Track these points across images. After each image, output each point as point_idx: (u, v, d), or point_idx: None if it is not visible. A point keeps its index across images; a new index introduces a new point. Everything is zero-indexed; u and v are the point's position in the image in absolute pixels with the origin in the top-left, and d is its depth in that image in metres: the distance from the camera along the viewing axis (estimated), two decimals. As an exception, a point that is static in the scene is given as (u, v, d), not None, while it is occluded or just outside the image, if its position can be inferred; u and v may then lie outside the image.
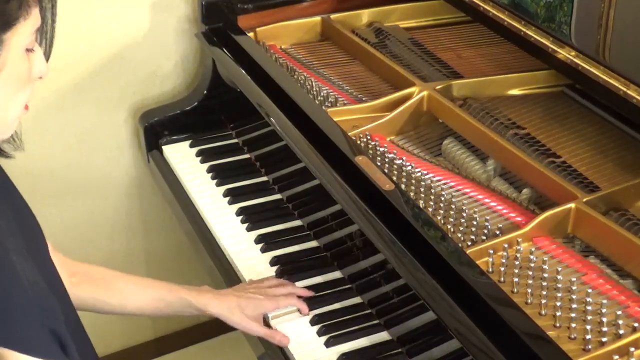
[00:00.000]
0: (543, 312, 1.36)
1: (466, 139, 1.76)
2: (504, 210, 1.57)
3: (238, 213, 1.91)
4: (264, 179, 2.01)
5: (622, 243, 1.43)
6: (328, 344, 1.56)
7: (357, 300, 1.66)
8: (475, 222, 1.53)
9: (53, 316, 1.14)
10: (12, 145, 1.22)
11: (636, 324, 1.31)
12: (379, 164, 1.66)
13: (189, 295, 1.60)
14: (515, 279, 1.41)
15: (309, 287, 1.67)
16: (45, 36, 1.16)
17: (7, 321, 1.07)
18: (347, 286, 1.68)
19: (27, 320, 1.09)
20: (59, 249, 1.51)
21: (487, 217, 1.53)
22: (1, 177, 1.29)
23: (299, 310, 1.63)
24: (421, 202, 1.58)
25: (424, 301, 1.39)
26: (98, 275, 1.57)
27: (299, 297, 1.64)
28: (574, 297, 1.36)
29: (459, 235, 1.51)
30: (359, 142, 1.73)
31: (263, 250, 1.80)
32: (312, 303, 1.64)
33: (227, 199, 1.95)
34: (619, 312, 1.32)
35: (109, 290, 1.56)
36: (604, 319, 1.31)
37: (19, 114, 1.16)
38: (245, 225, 1.87)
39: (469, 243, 1.49)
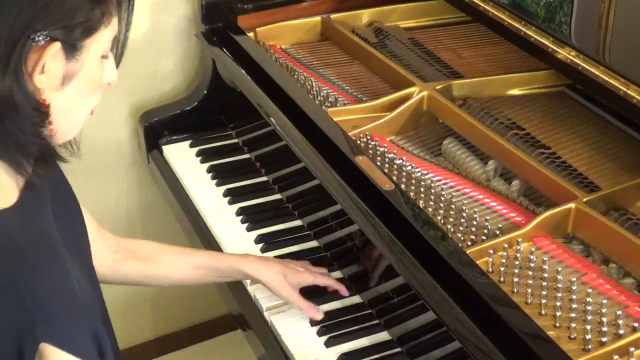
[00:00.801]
0: (543, 312, 1.36)
1: (466, 139, 1.76)
2: (504, 210, 1.57)
3: (238, 213, 1.91)
4: (264, 179, 2.01)
5: (622, 243, 1.43)
6: (328, 344, 1.56)
7: (357, 300, 1.66)
8: (475, 222, 1.53)
9: (95, 319, 1.17)
10: (68, 150, 1.25)
11: (636, 324, 1.31)
12: (379, 164, 1.66)
13: (234, 260, 1.64)
14: (515, 279, 1.41)
15: (309, 287, 1.67)
16: (118, 43, 1.20)
17: (56, 320, 1.10)
18: (347, 286, 1.68)
19: (74, 321, 1.12)
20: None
21: (487, 217, 1.53)
22: (60, 179, 1.32)
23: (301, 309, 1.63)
24: (421, 202, 1.58)
25: (424, 301, 1.39)
26: (142, 249, 1.61)
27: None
28: (574, 297, 1.36)
29: (459, 235, 1.51)
30: (359, 142, 1.73)
31: (263, 251, 1.80)
32: (314, 301, 1.64)
33: (227, 199, 1.95)
34: (619, 312, 1.32)
35: (154, 263, 1.60)
36: (604, 319, 1.31)
37: (84, 117, 1.19)
38: (245, 225, 1.87)
39: (469, 243, 1.49)
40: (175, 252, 1.63)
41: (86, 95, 1.16)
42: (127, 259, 1.58)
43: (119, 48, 1.21)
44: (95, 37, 1.12)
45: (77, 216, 1.35)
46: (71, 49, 1.10)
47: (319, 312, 1.60)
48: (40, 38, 1.07)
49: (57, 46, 1.08)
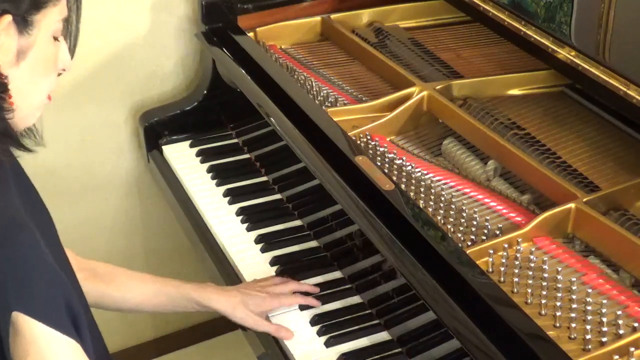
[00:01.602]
0: (543, 312, 1.36)
1: (466, 139, 1.76)
2: (504, 210, 1.57)
3: (238, 213, 1.91)
4: (264, 179, 2.01)
5: (622, 243, 1.43)
6: (328, 344, 1.56)
7: (357, 300, 1.66)
8: (475, 222, 1.53)
9: (69, 293, 1.17)
10: (33, 140, 1.27)
11: (636, 324, 1.31)
12: (379, 164, 1.66)
13: (193, 290, 1.61)
14: (515, 279, 1.41)
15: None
16: (70, 33, 1.24)
17: (29, 289, 1.11)
18: (347, 286, 1.68)
19: (46, 289, 1.13)
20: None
21: (487, 217, 1.53)
22: (20, 172, 1.32)
23: (300, 307, 1.63)
24: (421, 202, 1.58)
25: (424, 301, 1.39)
26: (103, 271, 1.60)
27: (306, 294, 1.65)
28: (574, 297, 1.36)
29: (459, 235, 1.51)
30: (359, 142, 1.73)
31: (263, 250, 1.80)
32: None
33: (227, 199, 1.95)
34: (619, 312, 1.32)
35: (113, 285, 1.59)
36: (604, 319, 1.31)
37: (42, 101, 1.22)
38: (245, 225, 1.87)
39: (469, 243, 1.49)
40: (135, 277, 1.62)
41: (40, 74, 1.19)
42: (87, 279, 1.55)
43: (72, 39, 1.25)
44: (44, 13, 1.16)
45: (41, 207, 1.35)
46: (22, 22, 1.13)
47: (288, 331, 1.57)
48: None
49: (8, 18, 1.11)
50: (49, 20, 1.17)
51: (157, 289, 1.61)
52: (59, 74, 1.25)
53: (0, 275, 1.09)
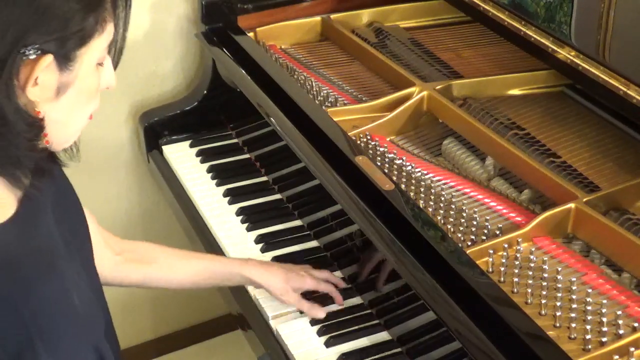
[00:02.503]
0: (543, 312, 1.36)
1: (466, 139, 1.76)
2: (504, 210, 1.57)
3: (238, 213, 1.91)
4: (264, 179, 2.01)
5: (622, 243, 1.43)
6: (328, 344, 1.56)
7: (357, 300, 1.66)
8: (475, 222, 1.53)
9: (97, 329, 1.17)
10: (68, 154, 1.22)
11: (636, 324, 1.31)
12: (379, 164, 1.66)
13: (236, 265, 1.63)
14: (515, 279, 1.41)
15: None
16: (116, 45, 1.16)
17: (55, 336, 1.09)
18: (347, 286, 1.68)
19: (73, 337, 1.12)
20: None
21: (487, 217, 1.53)
22: (62, 182, 1.30)
23: (300, 311, 1.63)
24: (421, 202, 1.58)
25: (424, 301, 1.39)
26: (144, 251, 1.60)
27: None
28: (574, 297, 1.36)
29: (459, 235, 1.51)
30: (359, 142, 1.73)
31: (263, 250, 1.80)
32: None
33: (227, 199, 1.95)
34: (619, 312, 1.32)
35: (156, 265, 1.59)
36: (604, 319, 1.31)
37: (82, 124, 1.17)
38: (245, 225, 1.87)
39: (469, 243, 1.49)
40: (178, 255, 1.62)
41: (82, 104, 1.13)
42: (129, 261, 1.57)
43: (116, 50, 1.17)
44: (89, 45, 1.08)
45: (78, 216, 1.34)
46: (64, 60, 1.06)
47: (321, 310, 1.60)
48: (32, 52, 1.03)
49: (49, 59, 1.04)
50: (93, 51, 1.09)
51: (202, 267, 1.62)
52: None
53: (27, 323, 1.07)
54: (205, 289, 1.71)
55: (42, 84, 1.06)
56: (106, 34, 1.10)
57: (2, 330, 1.07)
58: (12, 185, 1.11)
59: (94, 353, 1.14)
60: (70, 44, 1.05)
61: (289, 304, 1.62)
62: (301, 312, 1.64)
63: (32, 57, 1.03)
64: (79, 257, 1.22)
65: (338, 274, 1.72)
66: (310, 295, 1.65)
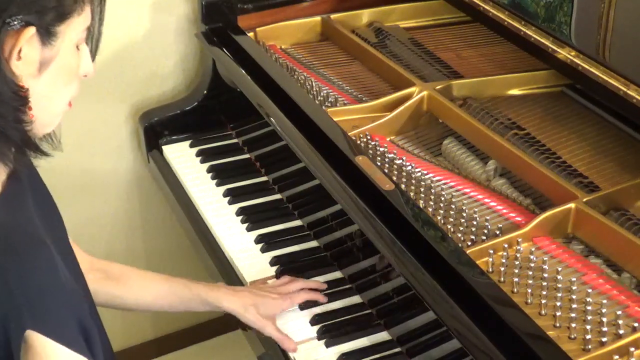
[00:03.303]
0: (543, 312, 1.36)
1: (466, 139, 1.76)
2: (504, 210, 1.57)
3: (238, 213, 1.91)
4: (264, 179, 2.01)
5: (622, 243, 1.43)
6: (328, 344, 1.56)
7: (357, 300, 1.66)
8: (475, 222, 1.53)
9: (81, 310, 1.18)
10: (51, 145, 1.25)
11: (636, 324, 1.31)
12: (379, 164, 1.66)
13: (204, 291, 1.62)
14: (515, 279, 1.41)
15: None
16: (92, 37, 1.22)
17: (42, 307, 1.11)
18: (347, 286, 1.68)
19: (60, 309, 1.13)
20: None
21: (487, 217, 1.53)
22: (33, 174, 1.32)
23: (300, 307, 1.63)
24: (421, 202, 1.58)
25: (424, 301, 1.39)
26: (115, 272, 1.60)
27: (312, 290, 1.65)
28: (574, 297, 1.36)
29: (459, 235, 1.51)
30: (359, 142, 1.73)
31: (263, 250, 1.80)
32: (312, 303, 1.64)
33: (227, 199, 1.95)
34: (619, 312, 1.32)
35: (126, 287, 1.59)
36: (604, 319, 1.31)
37: (63, 108, 1.21)
38: (245, 225, 1.87)
39: (469, 243, 1.49)
40: (147, 277, 1.62)
41: (63, 83, 1.18)
42: (98, 280, 1.56)
43: (93, 43, 1.23)
44: (68, 23, 1.14)
45: (55, 215, 1.35)
46: (46, 34, 1.12)
47: (292, 342, 1.56)
48: (15, 22, 1.08)
49: (32, 30, 1.09)
50: (73, 30, 1.15)
51: (169, 290, 1.61)
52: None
53: (15, 293, 1.09)
54: (177, 312, 1.68)
55: (25, 58, 1.11)
56: (84, 16, 1.17)
57: None
58: None
59: (79, 328, 1.15)
60: (50, 17, 1.11)
61: (261, 331, 1.58)
62: (302, 308, 1.63)
63: (16, 27, 1.09)
64: (59, 248, 1.23)
65: (338, 274, 1.72)
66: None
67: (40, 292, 1.11)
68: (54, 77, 1.16)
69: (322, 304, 1.64)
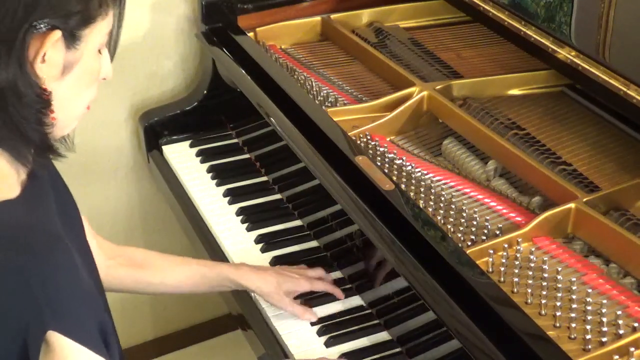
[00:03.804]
0: (543, 312, 1.36)
1: (466, 139, 1.76)
2: (504, 210, 1.57)
3: (238, 213, 1.91)
4: (264, 179, 2.01)
5: (622, 243, 1.43)
6: (328, 344, 1.56)
7: (357, 300, 1.66)
8: (475, 222, 1.53)
9: (100, 310, 1.18)
10: (64, 145, 1.26)
11: (636, 324, 1.31)
12: (379, 164, 1.66)
13: (227, 270, 1.64)
14: (515, 279, 1.41)
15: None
16: (111, 40, 1.22)
17: (64, 308, 1.11)
18: (347, 286, 1.68)
19: (81, 310, 1.13)
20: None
21: (487, 217, 1.53)
22: (53, 173, 1.33)
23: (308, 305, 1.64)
24: (421, 202, 1.58)
25: (424, 301, 1.39)
26: (138, 256, 1.62)
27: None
28: (574, 297, 1.36)
29: (459, 235, 1.51)
30: (359, 142, 1.73)
31: (263, 250, 1.80)
32: (312, 303, 1.64)
33: (227, 199, 1.95)
34: (619, 312, 1.32)
35: (151, 271, 1.61)
36: (604, 319, 1.31)
37: (82, 111, 1.22)
38: (245, 225, 1.87)
39: (469, 243, 1.49)
40: (170, 260, 1.64)
41: (84, 86, 1.18)
42: (121, 266, 1.58)
43: (112, 44, 1.23)
44: (93, 27, 1.14)
45: (74, 211, 1.36)
46: (71, 38, 1.12)
47: (314, 314, 1.61)
48: (42, 26, 1.09)
49: (57, 34, 1.10)
50: (97, 34, 1.16)
51: (193, 271, 1.63)
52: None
53: (36, 294, 1.09)
54: (201, 294, 1.71)
55: (49, 61, 1.11)
56: (108, 20, 1.17)
57: (12, 299, 1.09)
58: (16, 161, 1.16)
59: (98, 328, 1.15)
60: (75, 21, 1.12)
61: (282, 308, 1.62)
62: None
63: (42, 30, 1.09)
64: (78, 247, 1.24)
65: (338, 274, 1.72)
66: (310, 294, 1.65)
67: (61, 293, 1.11)
68: (77, 80, 1.16)
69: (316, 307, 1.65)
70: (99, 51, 1.19)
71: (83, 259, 1.22)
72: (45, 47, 1.09)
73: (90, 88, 1.20)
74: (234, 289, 1.66)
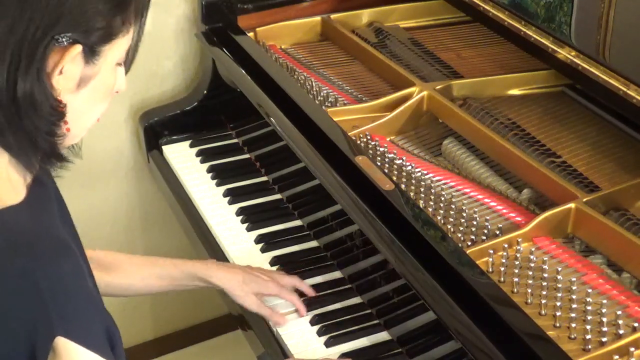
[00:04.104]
0: (543, 312, 1.36)
1: (466, 139, 1.76)
2: (504, 210, 1.57)
3: (238, 213, 1.91)
4: (264, 179, 2.01)
5: (622, 243, 1.43)
6: (328, 344, 1.56)
7: (357, 300, 1.66)
8: (475, 222, 1.53)
9: (106, 315, 1.19)
10: (70, 151, 1.26)
11: (636, 324, 1.31)
12: (379, 164, 1.66)
13: (194, 267, 1.64)
14: (515, 279, 1.41)
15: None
16: (129, 54, 1.22)
17: (72, 314, 1.11)
18: (347, 286, 1.68)
19: (88, 315, 1.13)
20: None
21: (487, 217, 1.53)
22: (52, 182, 1.32)
23: (296, 310, 1.63)
24: (421, 202, 1.58)
25: (424, 301, 1.39)
26: (106, 260, 1.61)
27: (301, 296, 1.65)
28: (574, 297, 1.36)
29: (459, 235, 1.51)
30: (359, 142, 1.73)
31: (263, 250, 1.80)
32: (312, 303, 1.64)
33: (227, 199, 1.95)
34: (619, 312, 1.32)
35: (119, 274, 1.60)
36: (604, 319, 1.31)
37: (93, 122, 1.21)
38: (245, 225, 1.87)
39: (469, 243, 1.49)
40: (137, 261, 1.64)
41: (98, 100, 1.18)
42: (93, 270, 1.57)
43: (129, 58, 1.23)
44: (113, 44, 1.14)
45: (69, 217, 1.35)
46: (91, 53, 1.12)
47: (282, 317, 1.59)
48: (64, 40, 1.09)
49: (78, 49, 1.10)
50: (117, 50, 1.15)
51: (160, 271, 1.63)
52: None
53: (45, 300, 1.08)
54: (174, 291, 1.70)
55: (66, 74, 1.11)
56: (128, 37, 1.17)
57: (21, 303, 1.08)
58: (24, 167, 1.16)
59: (105, 333, 1.15)
60: (97, 37, 1.12)
61: (247, 307, 1.61)
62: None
63: (63, 44, 1.09)
64: (80, 253, 1.23)
65: (338, 274, 1.72)
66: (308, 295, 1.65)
67: (69, 298, 1.11)
68: (91, 94, 1.16)
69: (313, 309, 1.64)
70: (117, 65, 1.19)
71: (85, 264, 1.22)
72: (64, 61, 1.09)
73: (104, 101, 1.20)
74: (204, 286, 1.65)
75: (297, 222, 1.87)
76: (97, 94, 1.17)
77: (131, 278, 1.61)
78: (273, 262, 1.76)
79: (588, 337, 1.29)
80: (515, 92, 1.87)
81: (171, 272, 1.63)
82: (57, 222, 1.21)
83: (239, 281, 1.61)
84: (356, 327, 1.59)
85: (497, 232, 1.50)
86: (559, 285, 1.39)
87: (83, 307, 1.13)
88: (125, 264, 1.62)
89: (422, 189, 1.61)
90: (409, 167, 1.67)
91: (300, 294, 1.66)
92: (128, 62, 1.23)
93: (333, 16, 2.17)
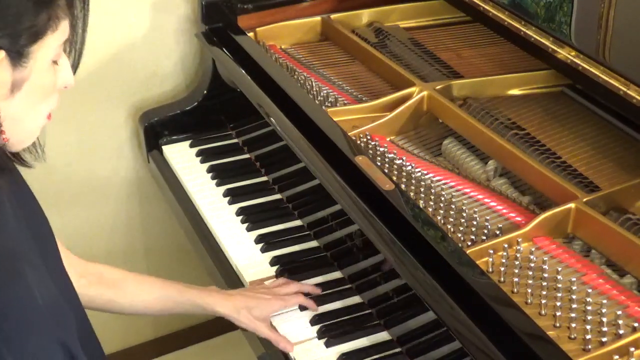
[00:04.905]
0: (543, 312, 1.36)
1: (466, 139, 1.76)
2: (504, 210, 1.57)
3: (238, 213, 1.91)
4: (264, 179, 2.01)
5: (622, 243, 1.43)
6: (328, 344, 1.56)
7: (357, 300, 1.66)
8: (475, 222, 1.53)
9: (64, 328, 1.14)
10: (33, 155, 1.22)
11: (636, 324, 1.31)
12: (379, 164, 1.66)
13: (197, 296, 1.62)
14: (515, 279, 1.41)
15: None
16: (75, 46, 1.17)
17: (19, 340, 1.07)
18: (347, 286, 1.68)
19: (38, 334, 1.09)
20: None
21: (487, 217, 1.53)
22: (19, 181, 1.29)
23: (300, 307, 1.63)
24: (421, 202, 1.58)
25: (424, 301, 1.39)
26: (109, 276, 1.59)
27: (307, 294, 1.65)
28: (574, 297, 1.36)
29: (459, 235, 1.51)
30: (359, 142, 1.73)
31: (263, 250, 1.80)
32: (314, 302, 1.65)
33: (227, 199, 1.95)
34: (619, 312, 1.32)
35: (120, 291, 1.58)
36: (604, 319, 1.31)
37: (40, 123, 1.17)
38: (245, 225, 1.87)
39: (469, 243, 1.49)
40: (141, 281, 1.62)
41: (38, 101, 1.14)
42: (92, 285, 1.55)
43: (76, 52, 1.17)
44: (42, 42, 1.09)
45: (40, 218, 1.31)
46: (17, 56, 1.07)
47: (289, 343, 1.57)
48: None
49: (1, 54, 1.05)
50: (47, 48, 1.10)
51: (163, 294, 1.61)
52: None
53: None
54: (172, 315, 1.69)
55: None
56: (60, 32, 1.11)
57: None
58: None
59: (62, 351, 1.11)
60: (23, 39, 1.06)
61: (258, 334, 1.59)
62: (302, 309, 1.64)
63: None
64: (42, 260, 1.19)
65: (338, 274, 1.72)
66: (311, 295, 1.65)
67: (17, 326, 1.07)
68: (28, 97, 1.11)
69: (340, 298, 1.64)
70: (53, 62, 1.13)
71: (52, 274, 1.18)
72: None
73: (47, 100, 1.15)
74: (203, 313, 1.64)
75: (297, 222, 1.87)
76: (35, 96, 1.12)
77: (132, 298, 1.60)
78: (273, 262, 1.76)
79: (588, 337, 1.29)
80: (515, 92, 1.87)
81: (173, 297, 1.62)
82: (7, 238, 1.14)
83: (241, 308, 1.59)
84: (356, 327, 1.59)
85: (497, 232, 1.50)
86: (559, 285, 1.39)
87: (30, 330, 1.08)
88: (127, 283, 1.60)
89: (422, 189, 1.61)
90: (409, 167, 1.67)
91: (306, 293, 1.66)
92: (76, 54, 1.17)
93: (333, 16, 2.17)
